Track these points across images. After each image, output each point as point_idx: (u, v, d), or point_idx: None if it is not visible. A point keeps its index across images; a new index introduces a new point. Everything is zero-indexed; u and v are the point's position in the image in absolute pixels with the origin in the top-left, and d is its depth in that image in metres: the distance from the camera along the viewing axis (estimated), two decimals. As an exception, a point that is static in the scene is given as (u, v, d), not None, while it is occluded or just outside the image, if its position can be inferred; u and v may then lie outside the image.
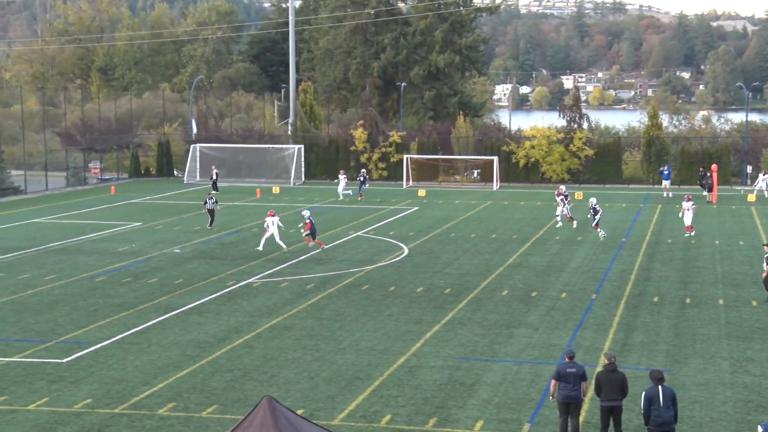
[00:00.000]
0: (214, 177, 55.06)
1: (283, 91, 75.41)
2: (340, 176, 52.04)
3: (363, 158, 62.40)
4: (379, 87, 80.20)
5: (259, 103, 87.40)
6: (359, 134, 62.30)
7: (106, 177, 63.46)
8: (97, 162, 63.77)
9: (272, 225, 32.94)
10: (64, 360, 19.13)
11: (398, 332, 21.38)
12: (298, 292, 25.86)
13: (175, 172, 65.76)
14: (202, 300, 24.89)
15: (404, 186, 58.62)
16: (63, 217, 43.42)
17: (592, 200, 36.17)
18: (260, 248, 32.48)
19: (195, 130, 67.72)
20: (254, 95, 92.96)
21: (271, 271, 29.07)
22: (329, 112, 76.10)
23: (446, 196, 51.88)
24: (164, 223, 40.79)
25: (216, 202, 39.28)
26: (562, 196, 38.06)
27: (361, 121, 64.16)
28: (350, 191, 50.66)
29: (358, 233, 37.44)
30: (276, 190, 54.53)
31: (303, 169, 62.09)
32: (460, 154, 62.07)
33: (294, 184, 59.54)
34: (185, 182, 60.68)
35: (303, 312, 23.48)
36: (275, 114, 74.33)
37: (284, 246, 32.72)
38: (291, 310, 23.72)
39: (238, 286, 26.82)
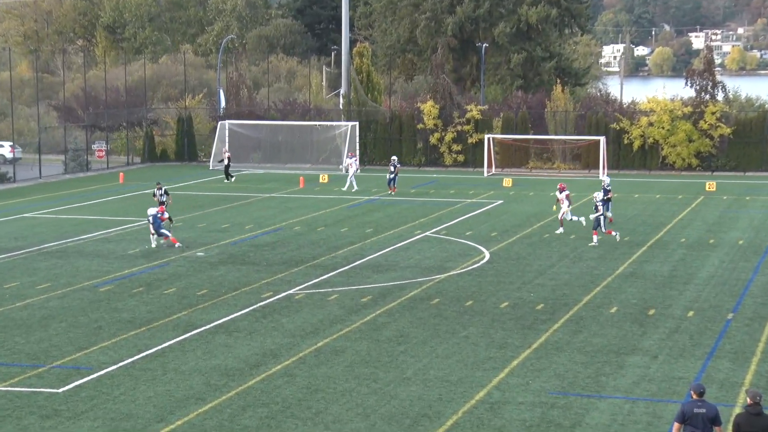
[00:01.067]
0: (226, 161, 55.37)
1: (333, 54, 75.82)
2: (348, 159, 51.33)
3: (433, 139, 62.38)
4: (455, 49, 79.97)
5: (303, 70, 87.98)
6: (429, 108, 62.22)
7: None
8: (102, 143, 64.86)
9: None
10: (61, 390, 19.44)
11: (477, 359, 21.29)
12: (350, 307, 25.93)
13: (218, 158, 66.35)
14: (232, 316, 25.10)
15: (485, 174, 58.37)
16: (60, 211, 44.22)
17: (597, 195, 35.22)
18: (153, 245, 34.41)
19: (223, 104, 68.42)
20: (297, 60, 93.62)
21: (317, 280, 29.18)
22: (391, 80, 76.24)
23: (538, 187, 51.51)
24: (185, 219, 41.25)
25: (167, 193, 39.02)
26: (567, 192, 37.22)
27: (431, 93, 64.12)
28: (356, 187, 50.07)
29: (427, 233, 37.36)
30: (324, 178, 54.82)
31: (358, 152, 62.21)
32: (556, 134, 61.57)
33: (346, 170, 59.71)
34: (211, 168, 61.37)
35: (357, 332, 23.52)
36: (323, 83, 74.72)
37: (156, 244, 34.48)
38: (342, 329, 23.78)
39: (276, 298, 26.98)
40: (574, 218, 37.00)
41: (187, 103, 69.96)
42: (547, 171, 59.95)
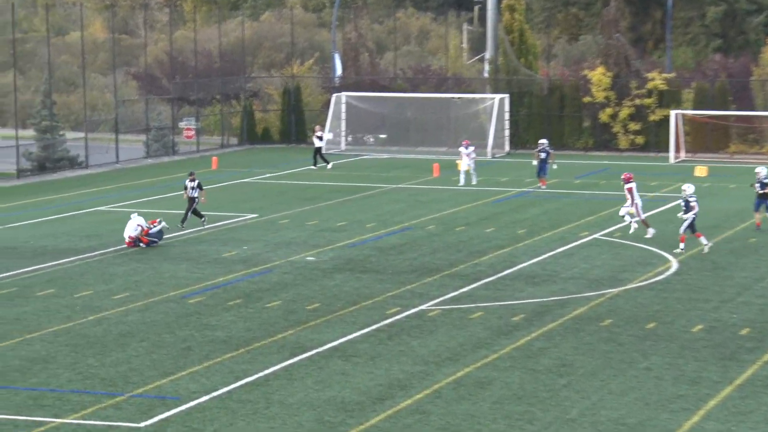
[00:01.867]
0: (319, 143, 55.56)
1: (476, 9, 75.71)
2: (462, 149, 50.43)
3: (604, 115, 61.78)
4: (632, 1, 78.95)
5: (439, 29, 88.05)
6: (598, 77, 61.68)
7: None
8: (192, 120, 65.95)
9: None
10: (142, 424, 19.79)
11: (662, 397, 21.01)
12: (498, 328, 25.85)
13: (324, 136, 67.02)
14: (349, 336, 25.24)
15: (671, 160, 57.57)
16: (141, 203, 45.10)
17: (687, 188, 34.07)
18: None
19: (339, 71, 68.94)
20: (431, 16, 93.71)
21: (456, 293, 29.17)
22: (550, 42, 75.73)
23: (743, 177, 50.47)
24: (292, 215, 41.69)
25: (200, 186, 38.63)
26: (630, 185, 36.23)
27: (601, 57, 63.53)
28: (475, 180, 49.50)
29: (596, 235, 37.07)
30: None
31: (507, 133, 61.96)
32: (766, 109, 60.33)
33: (493, 156, 59.61)
34: (324, 151, 61.81)
35: (507, 359, 23.43)
36: (464, 45, 74.68)
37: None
38: (488, 355, 23.72)
39: (404, 315, 27.05)
40: (631, 220, 36.66)
41: (294, 71, 70.68)
42: (753, 156, 58.68)
